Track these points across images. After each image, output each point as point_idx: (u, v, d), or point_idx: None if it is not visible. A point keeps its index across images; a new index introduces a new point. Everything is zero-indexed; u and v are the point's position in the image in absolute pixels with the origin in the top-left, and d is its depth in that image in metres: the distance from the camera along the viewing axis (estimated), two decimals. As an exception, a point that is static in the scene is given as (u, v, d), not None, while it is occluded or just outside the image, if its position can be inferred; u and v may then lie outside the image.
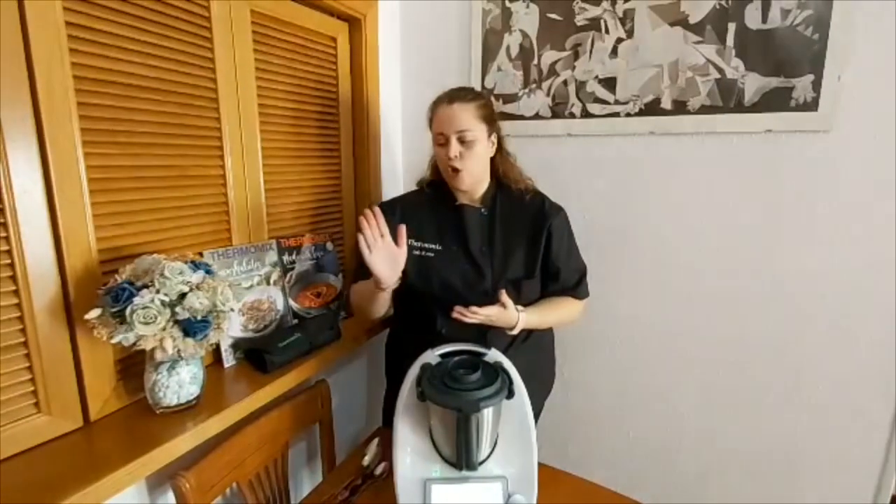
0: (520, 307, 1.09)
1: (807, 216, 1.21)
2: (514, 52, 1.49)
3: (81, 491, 0.74)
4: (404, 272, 1.14)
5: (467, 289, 1.14)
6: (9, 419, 0.79)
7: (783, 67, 1.18)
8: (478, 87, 1.53)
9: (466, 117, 1.09)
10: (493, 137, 1.17)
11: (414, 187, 1.31)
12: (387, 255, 1.02)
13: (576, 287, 1.21)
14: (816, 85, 1.15)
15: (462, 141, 1.09)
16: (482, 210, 1.18)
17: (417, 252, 1.16)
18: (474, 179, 1.15)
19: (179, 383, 0.91)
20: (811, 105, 1.16)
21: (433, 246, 1.17)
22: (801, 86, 1.17)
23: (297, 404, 1.20)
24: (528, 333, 1.20)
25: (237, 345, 1.15)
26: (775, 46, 1.18)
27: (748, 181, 1.26)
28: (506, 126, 1.45)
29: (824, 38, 1.13)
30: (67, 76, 0.82)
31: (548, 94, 1.46)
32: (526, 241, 1.16)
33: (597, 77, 1.39)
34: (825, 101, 1.15)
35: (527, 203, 1.19)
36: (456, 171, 1.11)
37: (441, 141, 1.11)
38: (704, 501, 1.44)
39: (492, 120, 1.15)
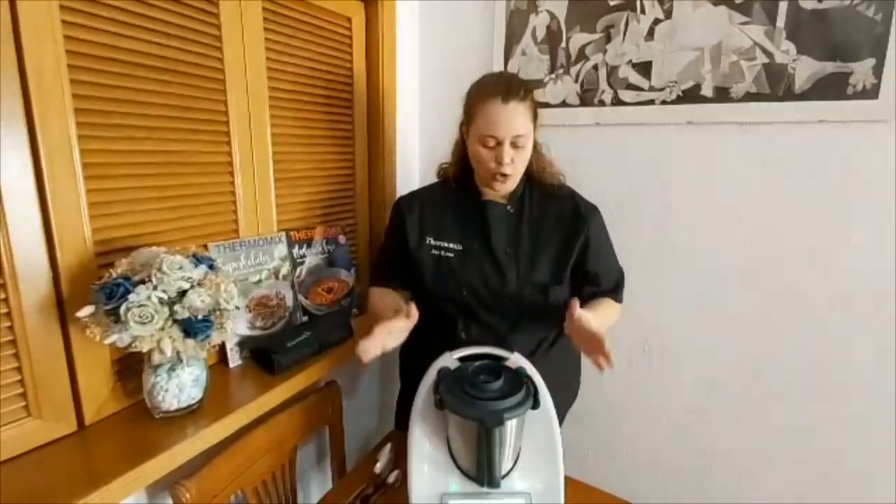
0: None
1: (864, 215, 1.11)
2: (541, 34, 1.39)
3: (74, 503, 0.68)
4: (422, 274, 1.09)
5: (489, 292, 1.06)
6: (-4, 423, 0.74)
7: (840, 51, 1.08)
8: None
9: (523, 119, 0.97)
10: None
11: (432, 178, 1.22)
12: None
13: (614, 290, 1.12)
14: (878, 70, 1.05)
15: (515, 146, 0.98)
16: (508, 207, 1.08)
17: (436, 252, 1.08)
18: (518, 181, 1.06)
19: (180, 386, 0.85)
20: (871, 93, 1.06)
21: (453, 246, 1.08)
22: (861, 71, 1.06)
23: (307, 407, 1.14)
24: (554, 338, 1.12)
25: (243, 343, 1.09)
26: (832, 28, 1.07)
27: (797, 177, 1.16)
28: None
29: (888, 18, 1.03)
30: (60, 52, 0.76)
31: (576, 81, 1.37)
32: (556, 243, 1.07)
33: (630, 61, 1.29)
34: (887, 88, 1.04)
35: (558, 202, 1.10)
36: (505, 176, 1.00)
37: (490, 144, 0.99)
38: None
39: (537, 115, 1.04)
